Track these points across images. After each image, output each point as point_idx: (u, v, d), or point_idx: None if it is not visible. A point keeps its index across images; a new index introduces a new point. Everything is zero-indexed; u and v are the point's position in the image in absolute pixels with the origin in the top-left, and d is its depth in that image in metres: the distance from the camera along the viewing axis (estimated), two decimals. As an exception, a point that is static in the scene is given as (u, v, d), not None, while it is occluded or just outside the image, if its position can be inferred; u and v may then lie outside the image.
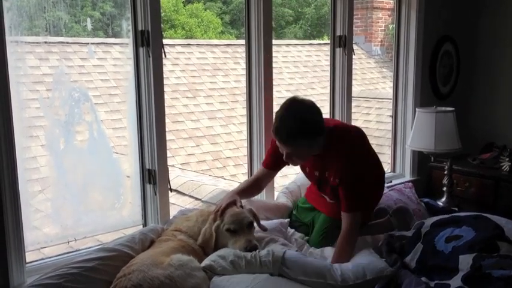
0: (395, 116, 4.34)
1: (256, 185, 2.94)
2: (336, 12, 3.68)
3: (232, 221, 2.52)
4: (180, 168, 6.30)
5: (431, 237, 2.45)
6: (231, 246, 2.49)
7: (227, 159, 6.69)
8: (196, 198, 4.63)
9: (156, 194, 2.81)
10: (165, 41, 2.76)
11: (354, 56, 3.81)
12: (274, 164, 2.88)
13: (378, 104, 7.71)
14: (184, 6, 13.32)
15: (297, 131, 2.48)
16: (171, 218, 2.88)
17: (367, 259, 2.44)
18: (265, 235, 2.66)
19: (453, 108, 3.80)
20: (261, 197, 3.34)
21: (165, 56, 2.75)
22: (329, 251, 2.72)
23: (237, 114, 7.25)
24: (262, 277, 2.24)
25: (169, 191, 2.88)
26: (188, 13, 13.18)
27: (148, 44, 2.66)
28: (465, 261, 2.24)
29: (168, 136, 6.69)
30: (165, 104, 7.36)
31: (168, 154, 6.42)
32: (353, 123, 7.52)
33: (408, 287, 2.13)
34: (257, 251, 2.40)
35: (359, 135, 2.77)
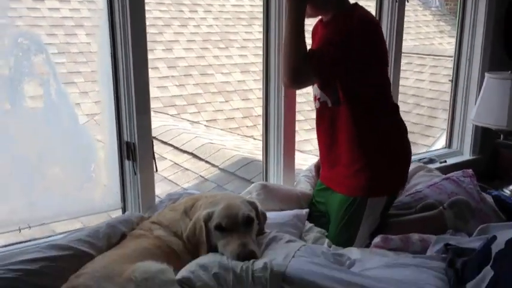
0: (455, 81, 3.52)
1: None
2: None
3: (224, 215, 1.89)
4: (205, 126, 5.75)
5: (508, 266, 1.68)
6: (221, 249, 1.88)
7: (258, 117, 6.05)
8: (213, 165, 4.06)
9: (135, 174, 2.21)
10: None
11: (406, 6, 3.03)
12: None
13: (433, 62, 6.89)
14: None
15: None
16: (157, 202, 2.29)
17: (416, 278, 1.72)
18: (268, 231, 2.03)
19: (534, 74, 2.96)
20: (278, 181, 2.70)
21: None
22: (356, 254, 2.06)
23: (273, 68, 6.52)
24: (251, 306, 1.61)
25: (155, 170, 2.28)
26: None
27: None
28: None
29: (195, 90, 6.21)
30: (194, 54, 6.61)
31: (194, 109, 6.00)
32: (403, 82, 6.67)
33: None
34: (251, 261, 1.77)
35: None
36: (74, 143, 2.10)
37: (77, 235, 1.92)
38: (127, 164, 2.22)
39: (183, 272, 1.78)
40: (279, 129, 2.66)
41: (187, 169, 4.12)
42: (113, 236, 1.96)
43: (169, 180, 3.98)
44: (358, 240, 2.23)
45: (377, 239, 2.17)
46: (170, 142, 4.53)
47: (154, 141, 4.63)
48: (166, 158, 4.34)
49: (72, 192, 2.12)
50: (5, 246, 2.02)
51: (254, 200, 2.05)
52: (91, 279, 1.63)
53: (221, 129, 5.74)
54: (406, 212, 2.45)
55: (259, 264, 1.73)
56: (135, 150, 2.18)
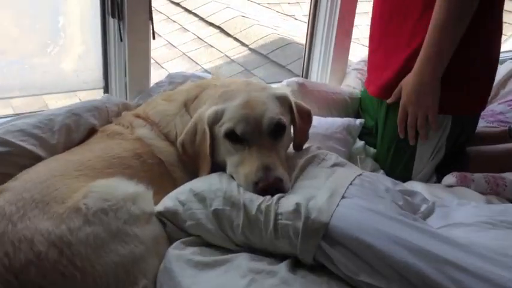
0: None
1: None
2: None
3: (240, 117, 1.21)
4: (240, -3, 4.96)
5: None
6: (231, 169, 1.22)
7: (304, -8, 5.22)
8: (243, 44, 3.37)
9: (121, 40, 1.50)
10: None
11: None
12: None
13: None
14: None
15: None
16: (152, 85, 1.62)
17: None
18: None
19: None
20: (322, 77, 2.04)
21: None
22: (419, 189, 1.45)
23: None
24: (267, 283, 0.98)
25: (152, 38, 1.56)
26: None
27: None
28: None
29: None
30: None
31: (229, -24, 5.14)
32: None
33: None
34: (276, 197, 1.11)
35: None
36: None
37: (20, 124, 1.30)
38: (111, 23, 1.52)
39: (167, 201, 1.16)
40: (334, 6, 1.92)
41: (211, 46, 3.51)
42: (74, 130, 1.34)
43: (188, 57, 3.39)
44: (416, 173, 1.64)
45: (451, 179, 1.56)
46: (195, 11, 3.89)
47: (178, 8, 3.97)
48: (188, 30, 3.78)
49: (31, 58, 1.45)
50: None
51: (286, 93, 1.33)
52: (14, 202, 1.01)
53: (258, 4, 4.95)
54: (494, 131, 1.85)
55: (288, 203, 1.09)
56: (123, 3, 1.45)
